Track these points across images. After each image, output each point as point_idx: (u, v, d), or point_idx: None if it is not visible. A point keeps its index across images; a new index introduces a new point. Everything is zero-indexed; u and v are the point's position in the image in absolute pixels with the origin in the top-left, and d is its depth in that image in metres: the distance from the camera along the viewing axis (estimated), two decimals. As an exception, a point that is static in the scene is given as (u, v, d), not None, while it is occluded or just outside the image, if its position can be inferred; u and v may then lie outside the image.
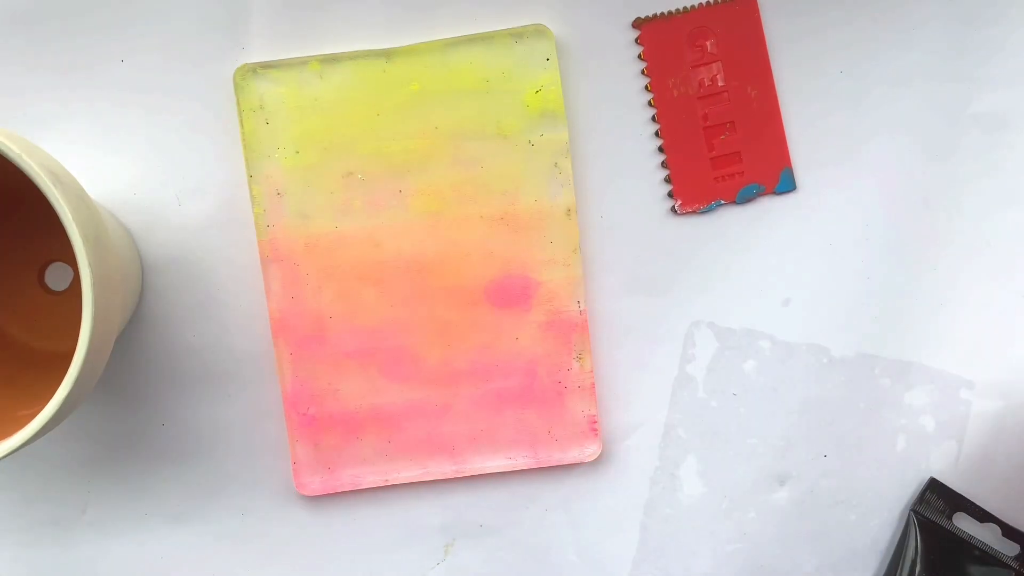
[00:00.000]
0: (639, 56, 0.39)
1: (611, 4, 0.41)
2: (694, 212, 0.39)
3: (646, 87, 0.39)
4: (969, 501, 0.42)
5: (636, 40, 0.39)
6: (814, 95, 0.41)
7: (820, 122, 0.41)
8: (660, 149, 0.40)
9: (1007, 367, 0.43)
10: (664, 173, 0.40)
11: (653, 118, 0.40)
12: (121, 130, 0.41)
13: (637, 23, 0.38)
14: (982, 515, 0.42)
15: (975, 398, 0.43)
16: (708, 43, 0.39)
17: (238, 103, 0.40)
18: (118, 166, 0.41)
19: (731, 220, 0.42)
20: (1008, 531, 0.42)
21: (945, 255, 0.42)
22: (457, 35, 0.40)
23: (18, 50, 0.40)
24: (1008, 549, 0.42)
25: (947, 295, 0.42)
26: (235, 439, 0.42)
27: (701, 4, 0.39)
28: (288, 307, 0.41)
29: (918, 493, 0.43)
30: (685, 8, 0.39)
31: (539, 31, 0.40)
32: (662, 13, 0.39)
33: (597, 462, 0.43)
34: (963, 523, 0.43)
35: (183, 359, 0.42)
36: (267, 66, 0.40)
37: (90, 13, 0.40)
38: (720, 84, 0.39)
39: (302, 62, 0.40)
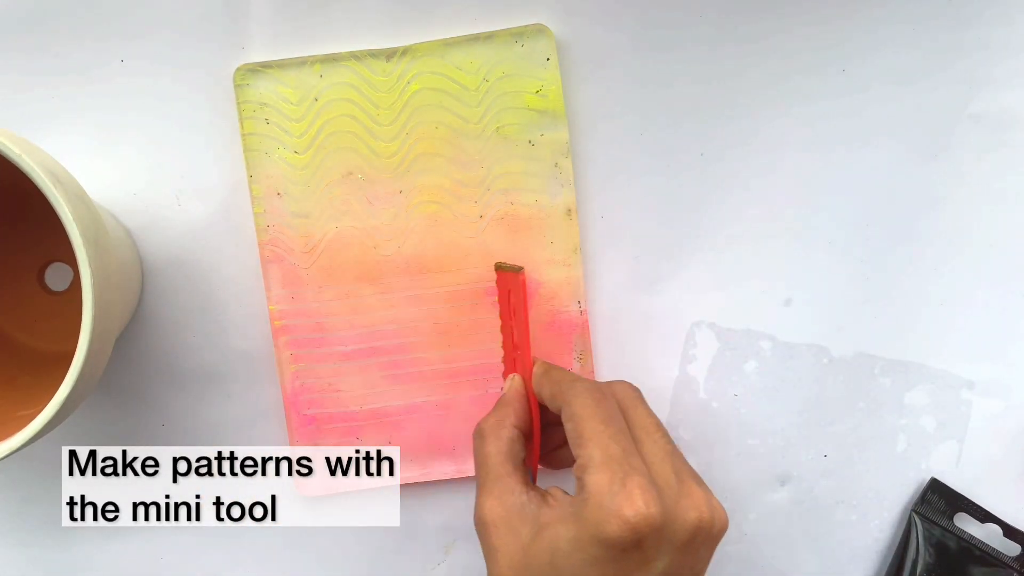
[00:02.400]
0: None
1: (611, 4, 0.41)
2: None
3: None
4: (970, 501, 0.42)
5: None
6: (815, 94, 0.41)
7: (820, 122, 0.41)
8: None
9: (1008, 367, 0.42)
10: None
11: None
12: (121, 130, 0.41)
13: None
14: (983, 515, 0.42)
15: (976, 398, 0.43)
16: None
17: (238, 103, 0.40)
18: (118, 166, 0.41)
19: (732, 219, 0.42)
20: (1009, 531, 0.42)
21: (945, 255, 0.42)
22: (457, 35, 0.40)
23: (18, 50, 0.40)
24: (1009, 549, 0.42)
25: (948, 295, 0.42)
26: (235, 439, 0.42)
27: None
28: (288, 307, 0.41)
29: (919, 493, 0.43)
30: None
31: (539, 31, 0.40)
32: None
33: (597, 462, 0.43)
34: (964, 523, 0.43)
35: (183, 359, 0.42)
36: (267, 66, 0.40)
37: (90, 13, 0.40)
38: None
39: (302, 62, 0.40)
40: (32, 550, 0.43)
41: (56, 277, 0.42)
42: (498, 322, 0.41)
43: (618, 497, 0.30)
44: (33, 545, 0.43)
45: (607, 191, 0.41)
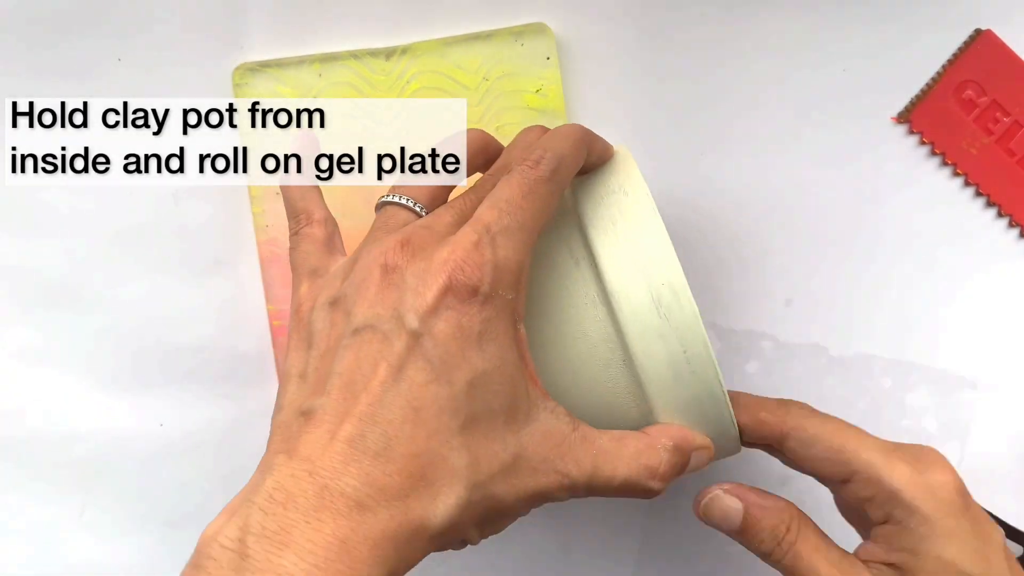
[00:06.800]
0: (920, 141, 0.40)
1: (612, 3, 0.41)
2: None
3: (943, 162, 0.41)
4: (972, 503, 0.42)
5: (909, 131, 0.40)
6: (816, 93, 0.41)
7: (821, 121, 0.41)
8: (999, 213, 0.41)
9: (1011, 367, 0.42)
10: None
11: (965, 181, 0.41)
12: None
13: (902, 117, 0.39)
14: (985, 516, 0.42)
15: (978, 399, 0.42)
16: (971, 92, 0.40)
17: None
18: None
19: (732, 219, 0.42)
20: (1012, 533, 0.42)
21: (947, 254, 0.42)
22: (457, 33, 0.40)
23: (16, 49, 0.40)
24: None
25: (949, 295, 0.42)
26: (235, 439, 0.42)
27: (944, 65, 0.40)
28: (287, 307, 0.41)
29: (921, 494, 0.42)
30: (934, 78, 0.40)
31: (539, 29, 0.40)
32: (917, 95, 0.40)
33: (598, 463, 0.43)
34: (966, 524, 0.42)
35: (183, 359, 0.42)
36: (266, 65, 0.40)
37: (88, 12, 0.40)
38: (1006, 119, 0.40)
39: (301, 61, 0.40)
40: (31, 551, 0.43)
41: None
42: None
43: None
44: (31, 546, 0.43)
45: (607, 191, 0.41)
